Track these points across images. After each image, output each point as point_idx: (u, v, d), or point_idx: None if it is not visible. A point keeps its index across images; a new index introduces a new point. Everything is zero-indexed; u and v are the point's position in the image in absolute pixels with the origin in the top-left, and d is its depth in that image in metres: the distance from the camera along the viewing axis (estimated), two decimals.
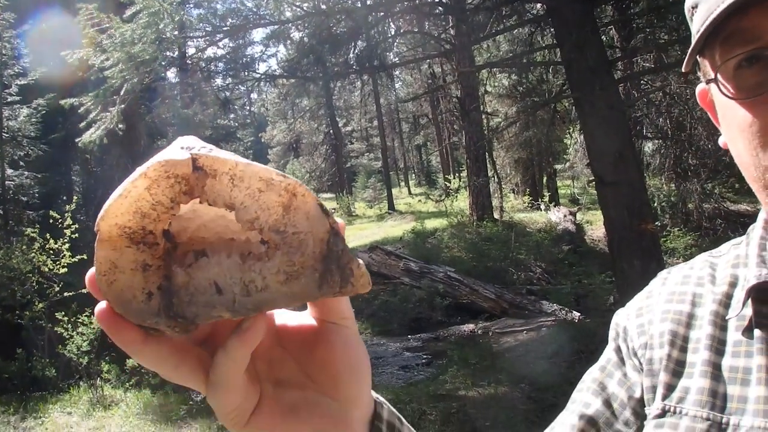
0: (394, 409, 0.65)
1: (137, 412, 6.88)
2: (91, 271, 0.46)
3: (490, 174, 18.82)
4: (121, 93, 8.87)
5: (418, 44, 22.16)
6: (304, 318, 0.57)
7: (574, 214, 18.64)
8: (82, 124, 9.12)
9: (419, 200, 32.35)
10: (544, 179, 24.56)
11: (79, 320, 7.83)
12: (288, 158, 49.85)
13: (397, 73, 39.36)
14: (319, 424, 0.55)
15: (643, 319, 0.84)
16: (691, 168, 14.90)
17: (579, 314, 10.40)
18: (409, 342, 11.32)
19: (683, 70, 0.79)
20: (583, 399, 0.85)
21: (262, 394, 0.54)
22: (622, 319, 0.88)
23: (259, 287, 0.44)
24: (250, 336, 0.47)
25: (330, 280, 0.45)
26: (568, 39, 8.10)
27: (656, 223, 9.82)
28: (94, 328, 7.68)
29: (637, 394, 0.80)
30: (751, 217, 0.87)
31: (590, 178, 11.44)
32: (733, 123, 0.72)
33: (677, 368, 0.76)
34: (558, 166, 24.59)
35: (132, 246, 0.43)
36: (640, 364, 0.81)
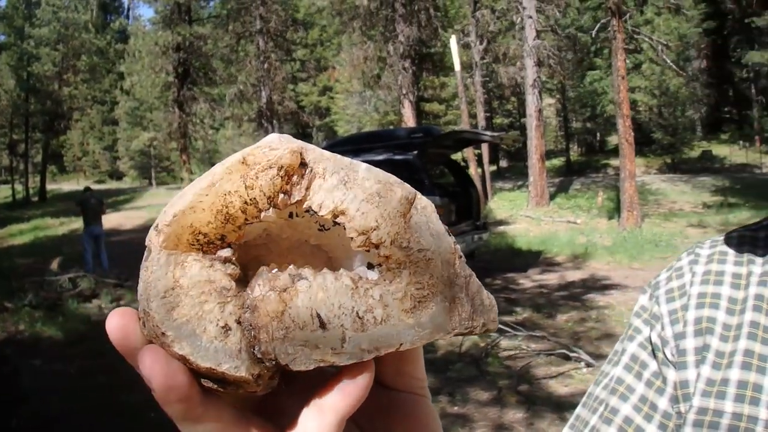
0: None
1: None
2: (120, 314, 0.32)
3: None
4: None
5: None
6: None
7: None
8: None
9: None
10: None
11: None
12: None
13: None
14: None
15: (676, 304, 0.74)
16: None
17: None
18: None
19: None
20: (610, 403, 0.74)
21: None
22: (650, 303, 0.77)
23: (379, 318, 0.33)
24: (358, 390, 0.33)
25: (461, 311, 0.35)
26: None
27: None
28: None
29: (669, 392, 0.70)
30: None
31: None
32: None
33: (717, 360, 0.66)
34: None
35: (203, 260, 0.32)
36: (672, 356, 0.71)
